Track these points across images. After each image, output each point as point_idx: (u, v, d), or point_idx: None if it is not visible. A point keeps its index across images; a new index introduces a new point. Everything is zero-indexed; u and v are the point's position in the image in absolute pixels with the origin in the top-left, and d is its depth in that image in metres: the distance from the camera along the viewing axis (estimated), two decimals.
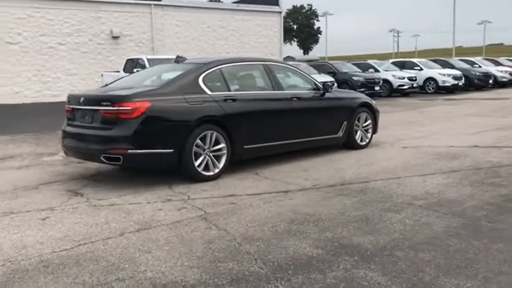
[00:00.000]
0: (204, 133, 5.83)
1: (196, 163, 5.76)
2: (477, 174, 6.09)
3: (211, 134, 5.91)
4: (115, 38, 24.17)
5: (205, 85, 6.04)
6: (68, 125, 6.11)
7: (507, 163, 6.67)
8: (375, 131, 8.49)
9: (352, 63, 23.26)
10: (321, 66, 21.44)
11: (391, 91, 21.75)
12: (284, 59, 47.88)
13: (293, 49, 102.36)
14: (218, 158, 6.04)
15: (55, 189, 5.69)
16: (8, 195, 5.49)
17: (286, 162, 6.97)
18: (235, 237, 3.95)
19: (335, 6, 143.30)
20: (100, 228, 4.25)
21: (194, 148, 5.73)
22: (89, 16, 23.52)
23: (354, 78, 20.08)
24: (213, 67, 6.30)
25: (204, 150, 5.86)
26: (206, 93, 6.00)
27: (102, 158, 5.50)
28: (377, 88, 20.36)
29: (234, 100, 6.24)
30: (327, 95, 7.58)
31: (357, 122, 8.02)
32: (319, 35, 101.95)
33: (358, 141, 8.07)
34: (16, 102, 21.42)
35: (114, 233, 4.12)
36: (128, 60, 17.54)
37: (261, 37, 28.67)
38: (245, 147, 6.34)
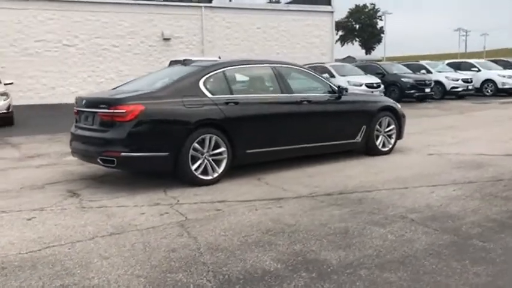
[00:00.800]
0: (202, 137, 5.75)
1: (194, 167, 5.70)
2: (494, 186, 5.62)
3: (210, 137, 5.82)
4: (166, 40, 24.70)
5: (206, 88, 5.97)
6: (75, 126, 6.24)
7: None
8: (399, 137, 8.07)
9: (404, 64, 22.42)
10: (368, 67, 20.82)
11: (444, 93, 20.76)
12: (344, 59, 47.05)
13: (355, 49, 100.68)
14: (218, 162, 5.95)
15: (57, 189, 5.82)
16: (12, 194, 5.67)
17: (296, 168, 6.76)
18: (200, 246, 3.84)
19: (400, 5, 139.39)
20: (75, 230, 4.28)
21: (191, 152, 5.67)
22: (142, 19, 24.18)
23: (402, 79, 19.34)
24: (216, 70, 6.21)
25: (202, 154, 5.79)
26: (206, 96, 5.92)
27: (98, 160, 5.57)
28: (428, 90, 19.49)
29: (236, 103, 6.12)
30: (343, 98, 7.29)
31: (378, 126, 7.65)
32: (382, 35, 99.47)
33: (380, 147, 7.70)
34: (72, 101, 22.39)
35: (86, 236, 4.13)
36: (171, 61, 17.83)
37: (312, 37, 28.30)
38: (248, 151, 6.21)
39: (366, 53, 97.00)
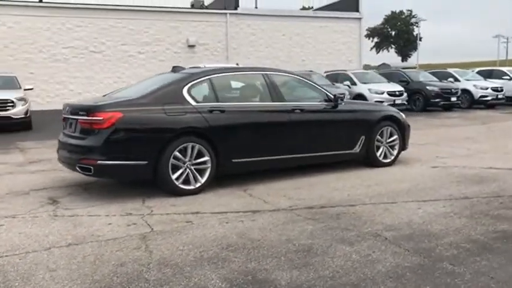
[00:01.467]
0: (184, 145, 5.62)
1: (174, 176, 5.57)
2: (489, 203, 5.25)
3: (193, 146, 5.69)
4: (191, 46, 24.85)
5: (190, 96, 5.84)
6: (62, 134, 6.22)
7: None
8: (403, 148, 7.74)
9: (430, 72, 21.79)
10: (393, 74, 20.32)
11: (472, 102, 20.03)
12: (379, 66, 46.41)
13: (390, 56, 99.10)
14: (201, 171, 5.80)
15: (40, 196, 5.80)
16: None
17: (288, 178, 6.54)
18: (151, 261, 3.68)
19: (437, 12, 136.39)
20: (35, 240, 4.21)
21: (172, 160, 5.54)
22: (167, 26, 24.43)
23: (427, 87, 18.77)
24: (202, 77, 6.08)
25: (184, 163, 5.65)
26: (190, 104, 5.79)
27: (77, 168, 5.51)
28: (454, 99, 18.85)
29: (222, 111, 5.97)
30: (341, 107, 7.03)
31: (378, 137, 7.35)
32: (418, 42, 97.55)
33: (380, 158, 7.39)
34: None
35: (43, 246, 4.05)
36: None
37: (339, 44, 27.92)
38: (234, 161, 6.04)
39: (402, 60, 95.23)
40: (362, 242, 4.05)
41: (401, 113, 7.86)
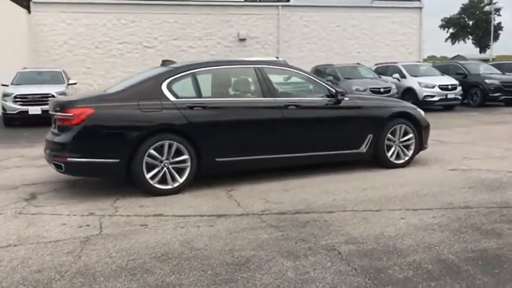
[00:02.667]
0: (159, 143, 5.38)
1: (148, 175, 5.35)
2: (489, 215, 4.57)
3: (170, 144, 5.43)
4: (242, 40, 24.68)
5: (169, 91, 5.58)
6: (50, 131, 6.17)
7: None
8: (420, 148, 7.04)
9: (495, 64, 20.15)
10: (450, 67, 18.97)
11: None
12: (453, 58, 43.81)
13: (467, 48, 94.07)
14: (181, 170, 5.53)
15: (24, 191, 5.79)
16: None
17: (282, 179, 6.10)
18: (71, 269, 3.46)
19: None
20: None
21: (146, 159, 5.32)
22: (218, 20, 24.41)
23: (486, 81, 17.32)
24: (184, 71, 5.80)
25: (161, 162, 5.41)
26: (169, 99, 5.53)
27: (52, 165, 5.43)
28: None
29: (204, 108, 5.66)
30: (344, 103, 6.48)
31: (390, 135, 6.71)
32: (499, 31, 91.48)
33: (392, 159, 6.76)
34: None
35: None
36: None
37: (397, 35, 26.60)
38: (218, 160, 5.72)
39: (480, 52, 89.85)
40: (310, 257, 3.60)
41: (418, 110, 7.15)
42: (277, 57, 17.11)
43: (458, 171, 6.51)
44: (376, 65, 18.96)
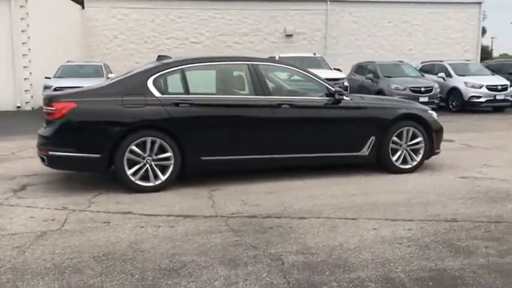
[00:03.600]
0: (142, 139, 5.33)
1: (130, 171, 5.32)
2: (471, 230, 4.17)
3: (153, 141, 5.36)
4: (288, 36, 24.41)
5: (155, 87, 5.51)
6: None
7: None
8: (431, 153, 6.58)
9: None
10: (504, 66, 17.77)
11: None
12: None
13: None
14: (164, 168, 5.47)
15: (17, 183, 5.92)
16: None
17: (274, 180, 5.89)
18: (8, 263, 3.48)
19: None
20: None
21: (127, 155, 5.29)
22: (265, 15, 24.26)
23: None
24: (172, 67, 5.71)
25: (143, 159, 5.36)
26: (154, 95, 5.46)
27: (39, 158, 5.52)
28: None
29: (190, 105, 5.55)
30: (345, 103, 6.16)
31: (395, 138, 6.31)
32: None
33: (397, 164, 6.35)
34: None
35: None
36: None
37: (452, 32, 25.33)
38: (204, 158, 5.60)
39: None
40: (249, 266, 3.40)
41: (430, 111, 6.69)
42: (314, 54, 16.75)
43: (469, 180, 6.03)
44: (422, 63, 18.11)
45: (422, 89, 14.54)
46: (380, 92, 14.83)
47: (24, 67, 16.82)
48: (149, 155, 5.39)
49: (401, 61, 17.33)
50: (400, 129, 6.34)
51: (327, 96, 6.14)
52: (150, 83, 5.51)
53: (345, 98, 6.18)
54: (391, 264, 3.44)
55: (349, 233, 4.09)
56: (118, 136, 5.25)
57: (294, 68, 6.32)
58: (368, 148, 6.23)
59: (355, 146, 6.20)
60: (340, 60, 22.83)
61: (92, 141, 5.27)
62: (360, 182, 5.92)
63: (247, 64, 5.95)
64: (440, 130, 6.65)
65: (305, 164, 6.15)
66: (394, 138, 6.32)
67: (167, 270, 3.35)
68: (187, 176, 5.71)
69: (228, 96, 5.99)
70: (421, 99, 14.29)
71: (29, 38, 16.83)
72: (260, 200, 5.11)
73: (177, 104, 5.50)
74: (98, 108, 5.33)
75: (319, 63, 15.47)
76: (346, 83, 14.11)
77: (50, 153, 5.25)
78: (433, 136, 6.52)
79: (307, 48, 24.36)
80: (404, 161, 6.42)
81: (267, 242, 3.89)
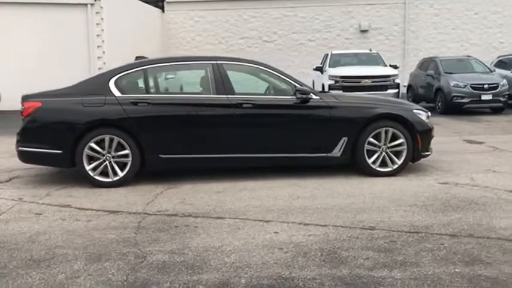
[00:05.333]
0: (100, 137, 5.61)
1: (89, 167, 5.63)
2: (378, 239, 3.87)
3: (111, 138, 5.63)
4: (363, 32, 23.65)
5: (116, 87, 5.75)
6: None
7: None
8: (418, 155, 6.11)
9: None
10: None
11: None
12: None
13: None
14: (124, 165, 5.71)
15: (7, 175, 6.44)
16: None
17: (240, 180, 5.85)
18: None
19: None
20: None
21: (87, 151, 5.60)
22: (339, 11, 23.74)
23: None
24: (135, 68, 5.91)
25: (103, 155, 5.65)
26: (114, 95, 5.72)
27: None
28: None
29: (148, 104, 5.73)
30: (314, 102, 5.93)
31: (372, 139, 5.96)
32: None
33: (375, 166, 5.99)
34: None
35: None
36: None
37: None
38: (162, 156, 5.75)
39: None
40: (108, 262, 3.50)
41: (416, 111, 6.18)
42: (370, 50, 16.09)
43: (447, 186, 5.51)
44: (499, 57, 16.57)
45: (486, 86, 13.32)
46: (439, 90, 13.90)
47: (99, 68, 18.19)
48: (108, 152, 5.66)
49: (469, 56, 16.00)
50: (378, 130, 5.97)
51: (291, 96, 5.97)
52: (111, 83, 5.78)
53: (313, 97, 5.96)
54: (246, 269, 3.33)
55: (243, 236, 3.99)
56: (77, 134, 5.59)
57: (261, 67, 6.20)
58: (340, 149, 5.95)
59: (325, 147, 5.95)
60: (421, 55, 21.57)
61: (54, 138, 5.66)
62: (320, 184, 5.68)
63: (212, 63, 5.97)
64: (427, 131, 6.14)
65: (269, 164, 6.04)
66: (370, 139, 5.96)
67: (33, 260, 3.55)
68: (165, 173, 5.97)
69: (186, 95, 6.09)
70: (484, 97, 13.23)
71: (103, 41, 18.20)
72: (199, 200, 5.13)
73: (135, 103, 5.71)
74: (60, 107, 5.71)
75: (374, 59, 14.87)
76: (397, 80, 13.40)
77: (20, 148, 5.75)
78: (417, 138, 6.04)
79: (385, 44, 23.47)
80: (384, 164, 6.04)
81: (153, 240, 3.94)
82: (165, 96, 5.96)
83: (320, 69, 14.76)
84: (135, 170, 5.73)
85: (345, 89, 13.22)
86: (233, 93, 5.89)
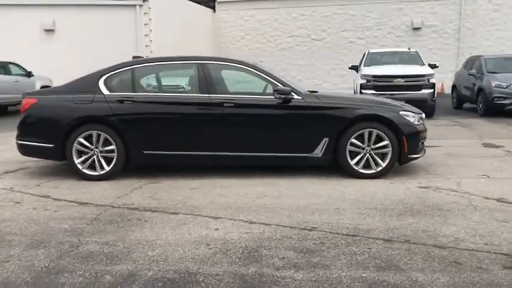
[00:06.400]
0: (88, 132, 5.94)
1: (78, 160, 5.98)
2: (310, 240, 3.85)
3: (99, 134, 5.94)
4: (416, 29, 22.87)
5: (105, 85, 6.05)
6: None
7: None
8: (406, 158, 5.96)
9: None
10: None
11: None
12: None
13: None
14: (111, 159, 6.01)
15: (7, 167, 6.95)
16: None
17: (220, 177, 6.00)
18: None
19: None
20: None
21: (76, 146, 5.95)
22: (390, 8, 23.11)
23: None
24: (124, 67, 6.18)
25: (91, 150, 5.98)
26: (102, 93, 6.02)
27: None
28: None
29: (133, 102, 5.99)
30: (296, 102, 5.93)
31: (354, 140, 5.87)
32: None
33: (357, 168, 5.90)
34: None
35: None
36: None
37: None
38: (146, 152, 5.99)
39: None
40: (41, 249, 3.75)
41: (403, 113, 5.99)
42: (408, 48, 15.54)
43: (425, 190, 5.34)
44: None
45: None
46: (480, 90, 13.24)
47: None
48: (96, 147, 5.98)
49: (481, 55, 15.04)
50: (361, 131, 5.87)
51: (272, 96, 5.99)
52: (101, 81, 6.09)
53: (295, 97, 5.95)
54: (161, 263, 3.46)
55: (182, 231, 4.12)
56: (67, 129, 5.95)
57: (246, 67, 6.22)
58: (321, 150, 5.91)
59: (306, 147, 5.94)
60: (477, 53, 20.61)
61: (47, 132, 6.05)
62: (295, 183, 5.68)
63: (197, 63, 6.13)
64: (414, 134, 5.95)
65: (249, 163, 6.11)
66: (353, 140, 5.87)
67: None
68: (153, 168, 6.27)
69: (169, 94, 6.27)
70: None
71: (151, 41, 18.92)
72: (169, 195, 5.31)
73: (121, 101, 5.99)
74: (52, 104, 6.10)
75: (412, 58, 14.36)
76: (432, 80, 12.89)
77: (18, 142, 6.21)
78: (403, 140, 5.87)
79: (438, 42, 22.64)
80: (368, 166, 5.93)
81: (98, 231, 4.15)
82: (149, 94, 6.20)
83: (356, 68, 14.48)
84: (120, 165, 6.01)
85: (377, 88, 12.94)
86: (215, 92, 6.02)
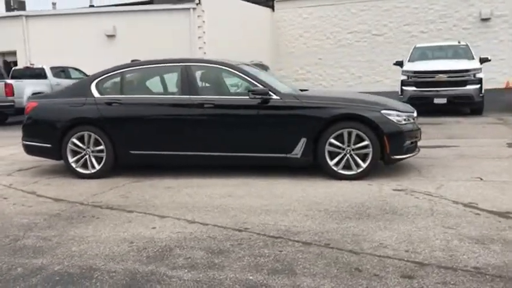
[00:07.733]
0: (80, 133, 6.32)
1: (72, 159, 6.38)
2: (231, 241, 3.86)
3: (89, 135, 6.29)
4: (484, 20, 21.51)
5: (97, 89, 6.39)
6: None
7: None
8: (389, 159, 5.73)
9: None
10: None
11: None
12: None
13: None
14: (101, 159, 6.34)
15: (19, 166, 7.49)
16: None
17: (193, 177, 6.12)
18: None
19: None
20: None
21: (70, 146, 6.35)
22: None
23: None
24: (114, 72, 6.47)
25: (84, 150, 6.35)
26: (93, 96, 6.36)
27: None
28: None
29: (120, 104, 6.27)
30: (274, 102, 5.88)
31: (333, 140, 5.72)
32: None
33: (337, 169, 5.75)
34: (376, 90, 22.96)
35: None
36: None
37: None
38: (132, 152, 6.25)
39: None
40: None
41: (385, 112, 5.73)
42: (458, 42, 14.59)
43: (395, 193, 5.10)
44: None
45: None
46: None
47: None
48: (88, 147, 6.34)
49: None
50: (340, 131, 5.71)
51: (251, 96, 5.98)
52: (93, 85, 6.45)
53: (273, 97, 5.91)
54: (75, 258, 3.63)
55: (121, 229, 4.27)
56: (61, 130, 6.37)
57: (228, 68, 6.25)
58: (300, 150, 5.83)
59: (285, 148, 5.88)
60: None
61: (45, 133, 6.52)
62: (267, 184, 5.65)
63: (181, 65, 6.29)
64: (396, 134, 5.68)
65: (229, 163, 6.16)
66: (332, 140, 5.73)
67: None
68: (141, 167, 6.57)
69: (154, 96, 6.47)
70: None
71: (204, 43, 19.44)
72: (139, 194, 5.48)
73: (109, 104, 6.30)
74: (50, 107, 6.56)
75: (462, 51, 13.52)
76: (479, 75, 12.06)
77: (23, 142, 6.74)
78: (385, 140, 5.63)
79: (509, 33, 21.12)
80: (348, 167, 5.75)
81: (48, 227, 4.42)
82: (134, 96, 6.44)
83: (400, 63, 13.89)
84: (110, 164, 6.32)
85: (418, 85, 12.38)
86: (196, 93, 6.13)
